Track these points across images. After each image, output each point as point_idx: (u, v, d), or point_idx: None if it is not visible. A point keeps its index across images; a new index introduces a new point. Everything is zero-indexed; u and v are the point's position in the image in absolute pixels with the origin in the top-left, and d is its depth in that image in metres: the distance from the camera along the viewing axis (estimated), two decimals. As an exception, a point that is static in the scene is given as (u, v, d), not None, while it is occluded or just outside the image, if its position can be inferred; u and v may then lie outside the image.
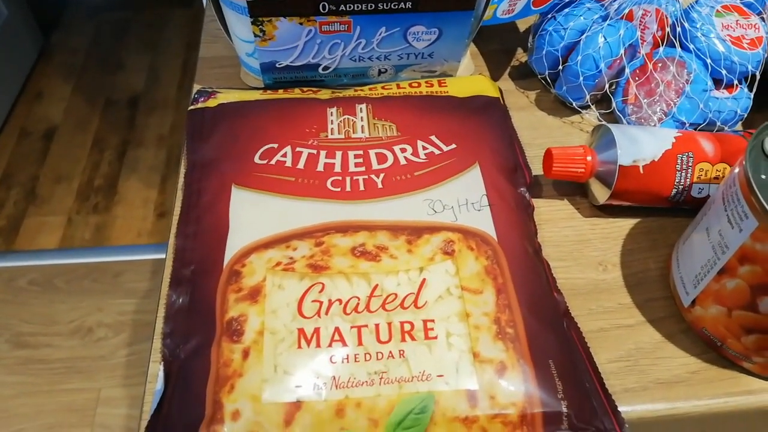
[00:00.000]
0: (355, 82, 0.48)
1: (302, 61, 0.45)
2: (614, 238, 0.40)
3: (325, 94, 0.44)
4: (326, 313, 0.30)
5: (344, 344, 0.29)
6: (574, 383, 0.30)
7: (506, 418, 0.28)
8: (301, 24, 0.42)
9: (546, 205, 0.42)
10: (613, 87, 0.46)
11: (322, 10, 0.41)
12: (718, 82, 0.44)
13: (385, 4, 0.42)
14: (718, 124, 0.44)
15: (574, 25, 0.45)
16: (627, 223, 0.41)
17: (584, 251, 0.39)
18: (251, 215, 0.34)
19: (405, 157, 0.38)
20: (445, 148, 0.39)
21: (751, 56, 0.43)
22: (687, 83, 0.42)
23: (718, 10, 0.44)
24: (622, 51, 0.43)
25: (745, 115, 0.46)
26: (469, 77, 0.47)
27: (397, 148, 0.38)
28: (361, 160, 0.37)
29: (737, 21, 0.44)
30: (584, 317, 0.36)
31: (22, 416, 1.04)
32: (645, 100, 0.43)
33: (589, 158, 0.39)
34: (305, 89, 0.45)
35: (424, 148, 0.38)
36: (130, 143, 1.51)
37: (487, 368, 0.29)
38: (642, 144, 0.38)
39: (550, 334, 0.31)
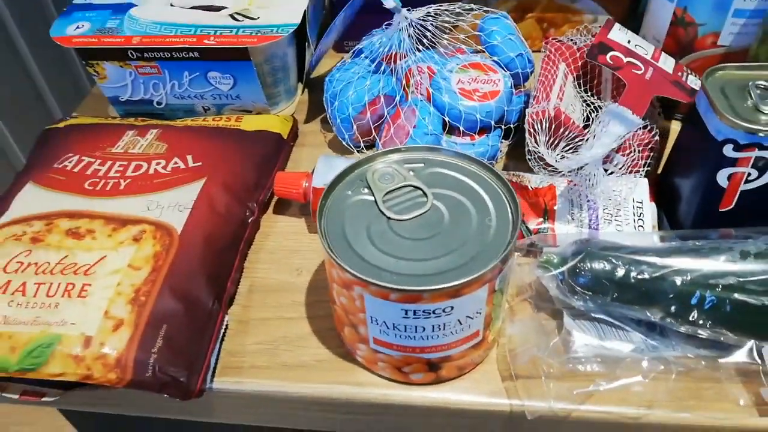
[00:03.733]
0: (188, 116, 0.59)
1: (137, 97, 0.58)
2: (319, 250, 0.47)
3: (150, 122, 0.56)
4: (23, 272, 0.40)
5: (24, 294, 0.39)
6: (177, 345, 0.37)
7: (106, 359, 0.36)
8: (121, 67, 0.55)
9: (283, 220, 0.50)
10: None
11: (132, 57, 0.54)
12: (457, 130, 0.51)
13: (178, 53, 0.53)
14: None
15: (342, 77, 0.53)
16: (336, 240, 0.47)
17: (291, 259, 0.47)
18: (23, 202, 0.46)
19: (156, 169, 0.48)
20: (191, 165, 0.48)
21: (479, 107, 0.49)
22: (413, 127, 0.49)
23: (461, 67, 0.51)
24: (367, 98, 0.51)
25: (494, 162, 0.51)
26: (264, 116, 0.57)
27: (154, 162, 0.49)
28: (122, 168, 0.48)
29: (476, 77, 0.50)
30: (260, 307, 0.43)
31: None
32: (383, 141, 0.51)
33: (304, 182, 0.47)
34: (145, 119, 0.57)
35: (175, 163, 0.49)
36: None
37: (109, 322, 0.37)
38: (338, 170, 0.45)
39: (180, 308, 0.39)
